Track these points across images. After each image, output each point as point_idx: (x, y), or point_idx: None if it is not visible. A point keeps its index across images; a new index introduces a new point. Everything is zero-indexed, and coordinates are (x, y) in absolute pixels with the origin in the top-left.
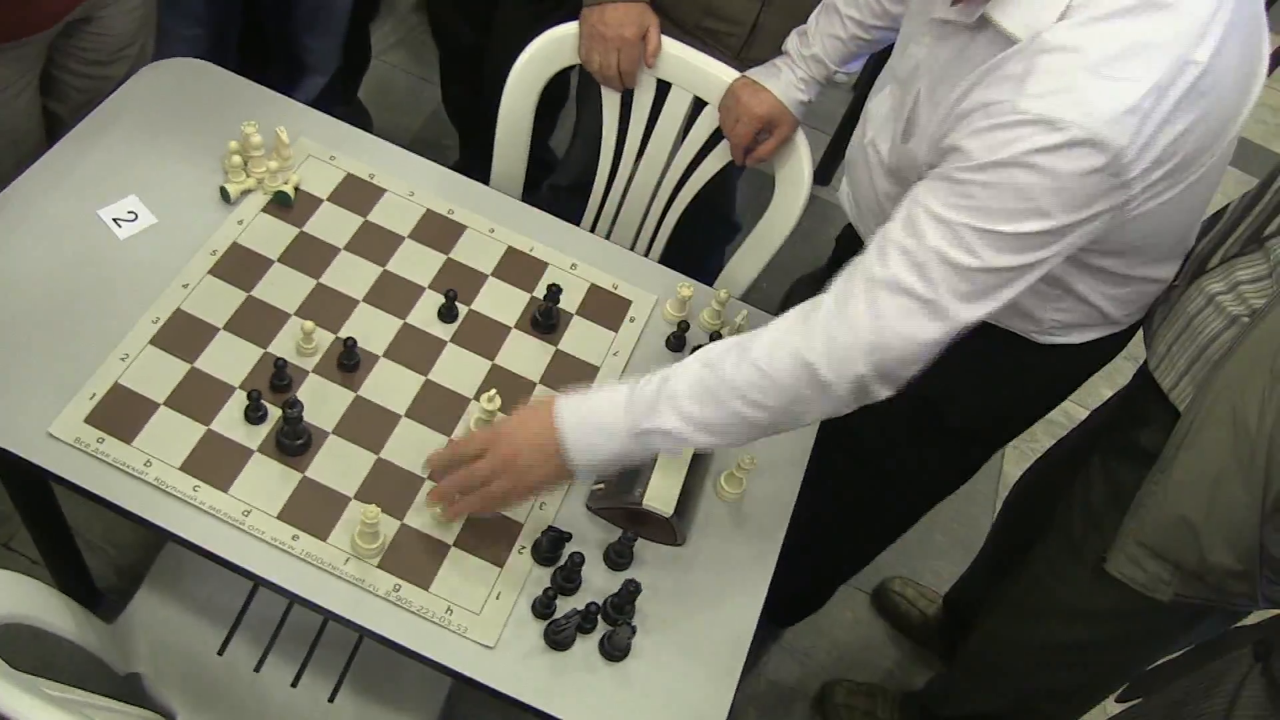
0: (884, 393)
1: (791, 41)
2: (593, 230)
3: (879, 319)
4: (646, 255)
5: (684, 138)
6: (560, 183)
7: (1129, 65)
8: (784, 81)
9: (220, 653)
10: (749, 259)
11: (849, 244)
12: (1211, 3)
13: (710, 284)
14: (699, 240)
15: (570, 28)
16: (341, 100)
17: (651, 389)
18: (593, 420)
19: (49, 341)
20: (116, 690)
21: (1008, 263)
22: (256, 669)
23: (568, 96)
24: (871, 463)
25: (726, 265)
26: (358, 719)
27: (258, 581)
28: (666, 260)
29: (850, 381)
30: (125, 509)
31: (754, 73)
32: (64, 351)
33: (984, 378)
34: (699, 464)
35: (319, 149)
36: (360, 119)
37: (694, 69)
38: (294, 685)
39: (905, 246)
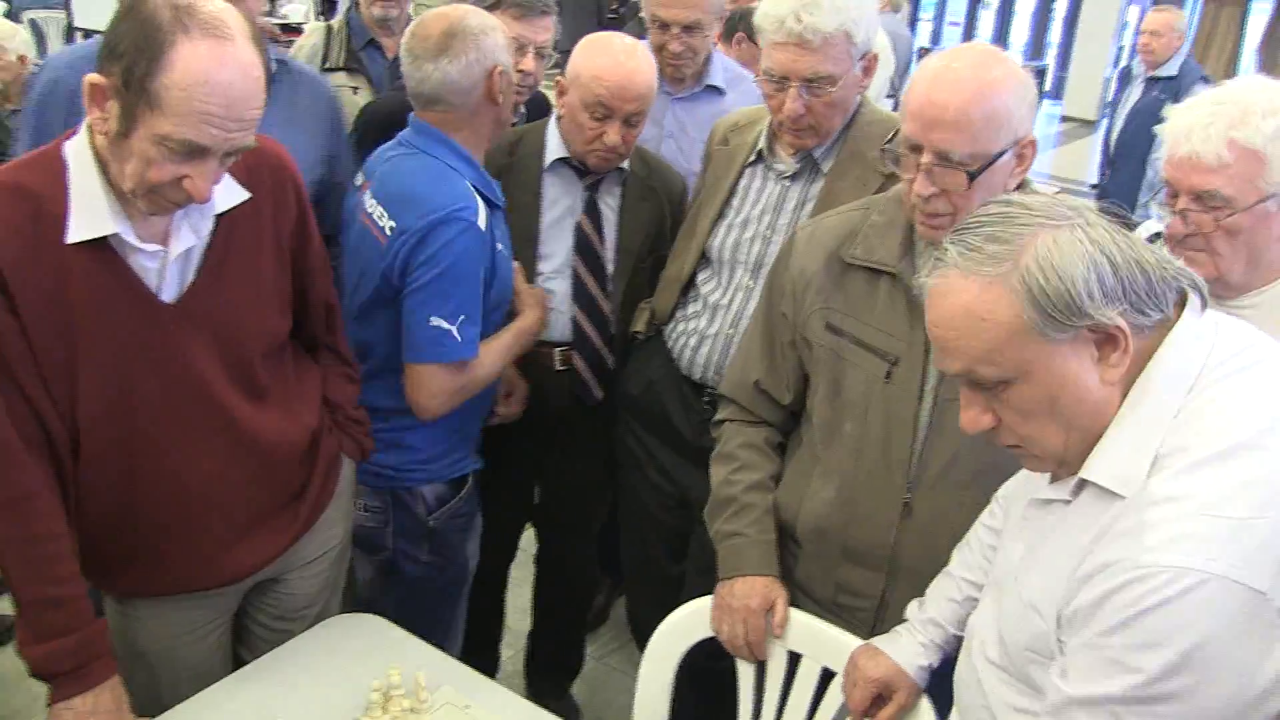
0: None
1: (911, 608)
2: None
3: None
4: None
5: (816, 709)
6: None
7: (1237, 504)
8: (903, 647)
9: None
10: None
11: None
12: None
13: None
14: None
15: (705, 601)
16: (553, 697)
17: None
18: None
19: None
20: None
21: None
22: None
23: None
24: None
25: None
26: None
27: None
28: None
29: None
30: None
31: (876, 640)
32: None
33: None
34: None
35: (456, 696)
36: (569, 714)
37: (822, 640)
38: None
39: None
